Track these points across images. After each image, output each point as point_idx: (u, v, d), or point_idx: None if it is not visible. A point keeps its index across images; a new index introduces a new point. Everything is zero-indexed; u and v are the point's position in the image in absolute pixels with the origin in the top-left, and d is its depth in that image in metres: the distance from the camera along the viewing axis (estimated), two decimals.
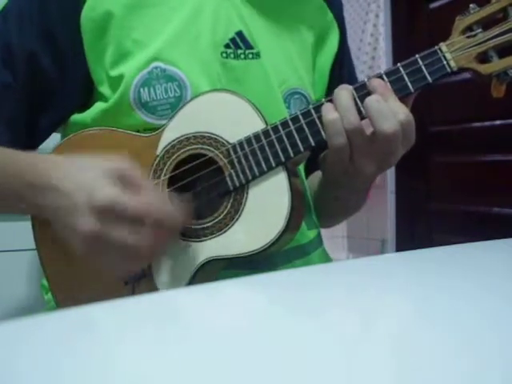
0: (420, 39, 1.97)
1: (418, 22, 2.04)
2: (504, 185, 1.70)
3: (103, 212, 0.47)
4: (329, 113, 0.53)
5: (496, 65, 0.54)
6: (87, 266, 0.56)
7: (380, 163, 0.55)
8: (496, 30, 0.53)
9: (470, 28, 0.54)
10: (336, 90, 0.54)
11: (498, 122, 1.74)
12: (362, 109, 0.53)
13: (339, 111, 0.53)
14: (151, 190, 0.50)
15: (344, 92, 0.53)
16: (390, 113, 0.51)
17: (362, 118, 0.53)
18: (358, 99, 0.54)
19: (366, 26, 2.24)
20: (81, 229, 0.47)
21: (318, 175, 0.73)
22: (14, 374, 0.22)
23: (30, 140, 0.64)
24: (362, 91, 0.54)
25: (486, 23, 0.54)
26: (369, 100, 0.52)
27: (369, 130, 0.53)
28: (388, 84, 0.54)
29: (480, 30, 0.54)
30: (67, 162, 0.53)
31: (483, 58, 0.54)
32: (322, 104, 0.55)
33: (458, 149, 1.90)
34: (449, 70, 0.54)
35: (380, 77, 0.54)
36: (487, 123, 1.77)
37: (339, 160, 0.55)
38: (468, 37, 0.54)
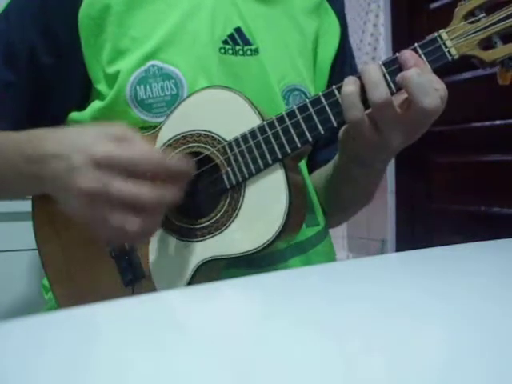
0: (420, 39, 1.96)
1: (418, 21, 2.04)
2: (504, 185, 1.70)
3: (102, 166, 0.46)
4: (347, 85, 0.52)
5: (500, 51, 0.51)
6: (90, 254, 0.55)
7: (409, 135, 0.54)
8: (500, 15, 0.51)
9: (472, 13, 0.52)
10: (363, 66, 0.53)
11: (497, 122, 1.73)
12: (391, 84, 0.52)
13: (368, 86, 0.51)
14: (146, 144, 0.49)
15: (372, 66, 0.52)
16: (431, 88, 0.50)
17: (392, 93, 0.52)
18: (387, 75, 0.52)
19: (366, 25, 2.23)
20: (82, 186, 0.46)
21: (324, 169, 0.72)
22: (14, 372, 0.22)
23: None
24: (392, 66, 0.52)
25: (490, 7, 0.51)
26: (409, 73, 0.50)
27: (397, 102, 0.53)
28: (423, 56, 0.52)
29: (483, 14, 0.51)
30: (61, 130, 0.52)
31: (487, 44, 0.52)
32: (319, 98, 0.54)
33: (458, 149, 1.90)
34: (449, 58, 0.52)
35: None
36: (487, 123, 1.77)
37: (359, 133, 0.54)
38: (470, 22, 0.52)
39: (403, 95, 0.53)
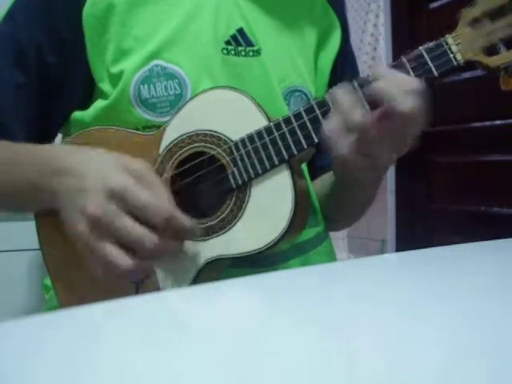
0: (420, 39, 1.96)
1: (418, 22, 2.04)
2: (504, 185, 1.70)
3: (114, 196, 0.46)
4: (328, 124, 0.52)
5: (504, 57, 0.52)
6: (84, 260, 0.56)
7: (398, 147, 0.53)
8: (504, 21, 0.52)
9: (476, 19, 0.53)
10: (333, 94, 0.52)
11: (497, 122, 1.73)
12: (365, 103, 0.52)
13: (341, 113, 0.51)
14: (166, 192, 0.49)
15: (340, 92, 0.52)
16: (403, 91, 0.49)
17: (374, 108, 0.51)
18: (361, 93, 0.52)
19: (366, 26, 2.23)
20: (89, 209, 0.46)
21: (325, 178, 0.72)
22: (14, 372, 0.22)
23: (44, 136, 0.65)
24: (366, 83, 0.52)
25: (494, 14, 0.52)
26: (377, 84, 0.50)
27: (375, 118, 0.52)
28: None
29: (487, 21, 0.52)
30: (84, 149, 0.53)
31: (491, 50, 0.53)
32: (325, 100, 0.54)
33: (458, 149, 1.90)
34: (455, 63, 0.52)
35: None
36: (487, 123, 1.77)
37: (346, 163, 0.53)
38: (475, 28, 0.53)
39: (379, 111, 0.52)
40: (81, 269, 0.60)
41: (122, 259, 0.47)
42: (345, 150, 0.51)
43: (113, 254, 0.47)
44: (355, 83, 0.53)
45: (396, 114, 0.49)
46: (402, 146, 0.53)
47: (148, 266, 0.50)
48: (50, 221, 0.61)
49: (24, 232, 0.79)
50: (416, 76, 0.52)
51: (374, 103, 0.51)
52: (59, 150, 0.53)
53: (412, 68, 0.52)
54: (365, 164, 0.53)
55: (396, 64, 0.53)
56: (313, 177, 0.74)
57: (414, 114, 0.49)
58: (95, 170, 0.48)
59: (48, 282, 0.67)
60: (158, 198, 0.48)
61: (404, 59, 0.53)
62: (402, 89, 0.50)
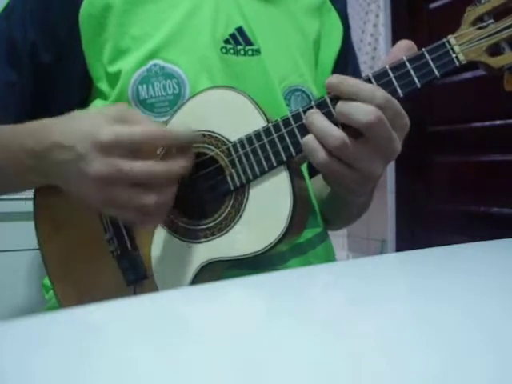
0: (420, 39, 1.97)
1: (418, 22, 2.04)
2: (504, 185, 1.70)
3: (110, 150, 0.46)
4: (307, 137, 0.51)
5: (508, 57, 0.51)
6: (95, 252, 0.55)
7: (382, 157, 0.51)
8: (508, 21, 0.51)
9: (480, 19, 0.52)
10: (308, 119, 0.51)
11: (498, 122, 1.74)
12: (338, 125, 0.51)
13: (320, 138, 0.50)
14: (151, 122, 0.50)
15: (315, 117, 0.51)
16: (361, 104, 0.48)
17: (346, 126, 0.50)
18: (333, 110, 0.51)
19: (366, 26, 2.23)
20: (93, 174, 0.46)
21: (321, 179, 0.72)
22: (14, 373, 0.22)
23: None
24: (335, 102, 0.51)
25: (498, 13, 0.51)
26: (336, 107, 0.50)
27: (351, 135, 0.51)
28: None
29: (491, 20, 0.51)
30: (64, 119, 0.52)
31: (494, 50, 0.52)
32: (325, 100, 0.52)
33: (457, 149, 1.90)
34: (457, 63, 0.52)
35: (385, 72, 0.52)
36: (487, 123, 1.77)
37: (335, 178, 0.53)
38: (478, 28, 0.52)
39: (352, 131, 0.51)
40: (81, 268, 0.61)
41: (147, 198, 0.48)
42: (322, 160, 0.50)
43: (137, 200, 0.47)
44: (329, 102, 0.52)
45: (364, 129, 0.49)
46: (386, 154, 0.51)
47: (171, 195, 0.50)
48: (49, 220, 0.61)
49: (24, 232, 0.79)
50: (417, 77, 0.52)
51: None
52: (42, 128, 0.52)
53: (413, 68, 0.52)
54: (354, 177, 0.52)
55: (397, 65, 0.52)
56: (311, 174, 0.74)
57: (377, 121, 0.48)
58: (81, 135, 0.48)
59: (48, 281, 0.68)
60: (145, 128, 0.48)
61: (405, 59, 0.52)
62: (360, 101, 0.49)
